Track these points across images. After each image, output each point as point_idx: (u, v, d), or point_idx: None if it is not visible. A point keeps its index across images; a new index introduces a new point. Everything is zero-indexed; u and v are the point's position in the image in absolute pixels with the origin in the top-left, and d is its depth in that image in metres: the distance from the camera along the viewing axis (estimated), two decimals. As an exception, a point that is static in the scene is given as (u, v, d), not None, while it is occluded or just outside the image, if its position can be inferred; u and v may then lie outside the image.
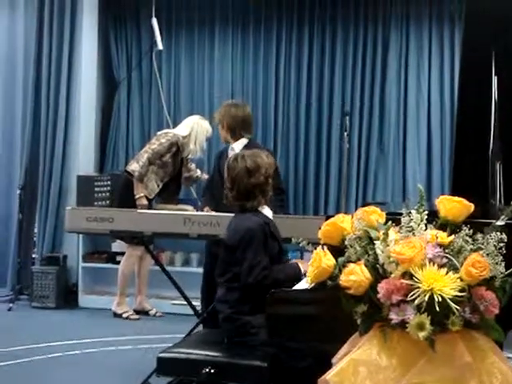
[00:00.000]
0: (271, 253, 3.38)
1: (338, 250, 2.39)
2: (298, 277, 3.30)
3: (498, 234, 2.23)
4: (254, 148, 4.39)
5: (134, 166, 6.14)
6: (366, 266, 2.25)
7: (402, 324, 2.13)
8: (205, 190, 5.60)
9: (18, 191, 7.11)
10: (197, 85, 7.53)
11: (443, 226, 2.35)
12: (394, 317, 2.14)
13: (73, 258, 7.15)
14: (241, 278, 3.33)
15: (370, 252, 2.28)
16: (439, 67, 7.01)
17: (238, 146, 5.00)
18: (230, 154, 4.90)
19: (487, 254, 2.20)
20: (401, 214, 2.35)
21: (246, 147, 4.84)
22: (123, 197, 6.20)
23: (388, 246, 2.24)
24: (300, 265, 3.39)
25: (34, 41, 7.18)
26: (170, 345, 3.50)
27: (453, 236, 2.27)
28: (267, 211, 3.53)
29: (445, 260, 2.19)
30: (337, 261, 2.35)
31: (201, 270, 5.54)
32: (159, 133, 6.43)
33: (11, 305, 6.72)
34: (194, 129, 6.24)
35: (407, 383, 2.11)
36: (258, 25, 7.38)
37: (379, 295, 2.17)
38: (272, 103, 7.33)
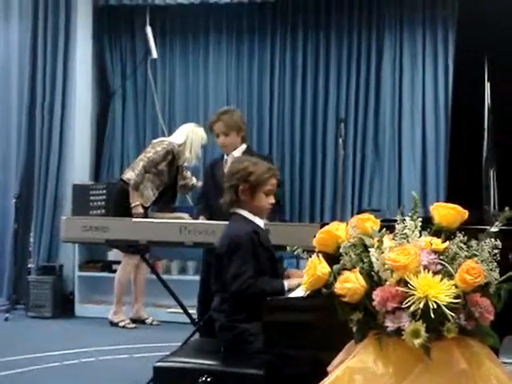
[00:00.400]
0: (262, 262, 3.36)
1: (332, 258, 2.39)
2: (282, 293, 3.25)
3: (493, 240, 2.23)
4: (250, 155, 4.40)
5: (130, 175, 6.15)
6: (360, 273, 2.25)
7: (398, 331, 2.13)
8: (199, 199, 5.55)
9: (14, 200, 7.10)
10: (191, 93, 7.54)
11: (437, 232, 2.35)
12: (390, 324, 2.14)
13: (69, 267, 7.14)
14: (226, 286, 3.32)
15: (365, 259, 2.28)
16: (433, 72, 7.02)
17: (237, 154, 4.95)
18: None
19: (482, 261, 2.20)
20: (395, 221, 2.35)
21: (244, 154, 4.81)
22: (119, 205, 6.20)
23: (383, 253, 2.24)
24: (285, 282, 3.34)
25: (29, 51, 7.19)
26: (167, 353, 3.49)
27: (447, 243, 2.27)
28: (258, 220, 3.52)
29: (439, 267, 2.20)
30: (332, 268, 2.35)
31: (197, 277, 5.54)
32: (154, 141, 6.43)
33: (7, 315, 6.70)
34: (189, 137, 6.23)
35: (403, 391, 2.11)
36: (252, 32, 7.40)
37: (374, 303, 2.17)
38: (267, 110, 7.34)
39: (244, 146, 5.03)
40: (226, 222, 3.62)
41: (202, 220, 4.95)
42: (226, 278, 3.29)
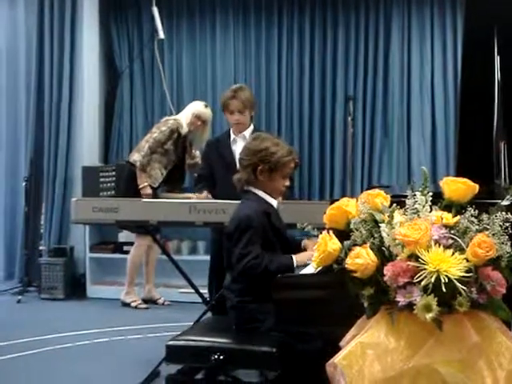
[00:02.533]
0: (271, 242, 3.35)
1: (343, 234, 2.39)
2: (291, 269, 3.23)
3: (504, 213, 2.22)
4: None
5: (136, 156, 6.13)
6: (371, 248, 2.25)
7: (409, 306, 2.13)
8: (199, 176, 5.39)
9: (24, 183, 7.13)
10: (199, 73, 7.51)
11: (448, 207, 2.34)
12: (401, 299, 2.14)
13: (80, 248, 7.16)
14: (233, 266, 3.32)
15: (376, 235, 2.28)
16: (442, 49, 6.99)
17: (248, 133, 4.92)
18: (241, 141, 4.84)
19: (493, 234, 2.20)
20: (406, 197, 2.34)
21: (252, 133, 4.78)
22: (128, 187, 6.19)
23: (393, 228, 2.24)
24: (294, 258, 3.30)
25: (36, 33, 7.16)
26: (179, 333, 3.51)
27: (458, 217, 2.26)
28: (272, 200, 3.50)
29: (450, 241, 2.19)
30: (342, 245, 2.35)
31: (208, 257, 5.54)
32: (160, 121, 6.42)
33: (20, 297, 6.73)
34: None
35: (415, 364, 2.11)
36: (259, 10, 7.36)
37: (385, 278, 2.17)
38: (275, 89, 7.32)
39: (252, 126, 5.01)
40: (237, 202, 3.61)
41: (206, 196, 4.90)
42: (233, 257, 3.29)
